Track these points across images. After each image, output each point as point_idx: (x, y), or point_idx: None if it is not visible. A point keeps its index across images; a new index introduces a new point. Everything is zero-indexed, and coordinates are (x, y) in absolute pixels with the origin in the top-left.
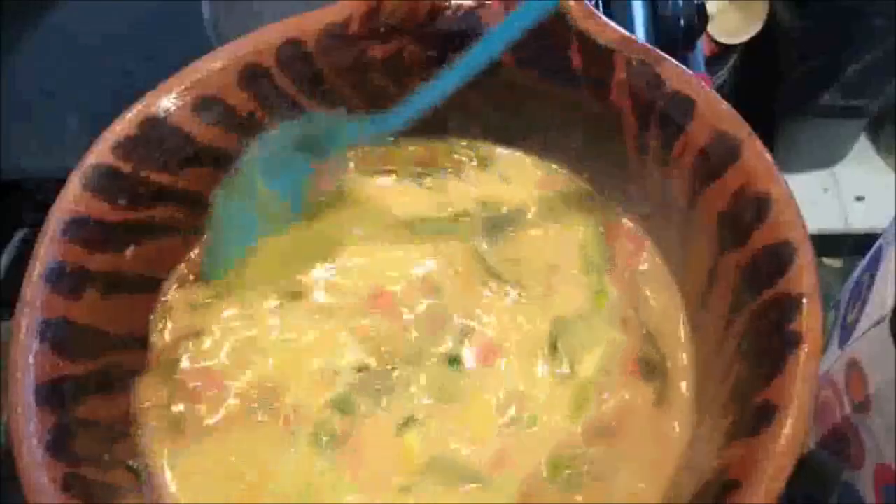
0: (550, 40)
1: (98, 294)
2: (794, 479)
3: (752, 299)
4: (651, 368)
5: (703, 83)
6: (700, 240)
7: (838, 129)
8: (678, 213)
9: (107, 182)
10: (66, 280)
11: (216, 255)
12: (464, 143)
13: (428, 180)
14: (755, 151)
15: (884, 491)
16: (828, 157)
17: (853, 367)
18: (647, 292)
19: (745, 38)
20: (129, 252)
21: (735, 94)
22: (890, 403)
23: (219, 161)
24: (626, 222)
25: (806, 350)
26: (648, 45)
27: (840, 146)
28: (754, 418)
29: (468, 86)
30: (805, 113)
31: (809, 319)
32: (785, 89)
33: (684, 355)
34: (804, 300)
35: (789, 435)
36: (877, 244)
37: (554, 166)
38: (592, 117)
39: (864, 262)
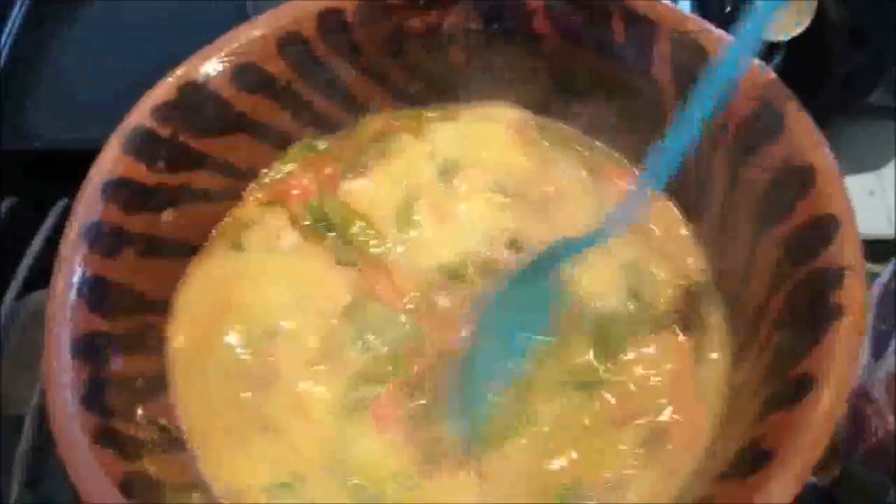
0: (593, 12)
1: (134, 255)
2: (840, 496)
3: (795, 271)
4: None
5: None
6: (740, 214)
7: (885, 130)
8: (719, 187)
9: (146, 145)
10: (103, 239)
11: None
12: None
13: None
14: (800, 122)
15: None
16: (874, 160)
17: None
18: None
19: (791, 34)
20: (166, 215)
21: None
22: None
23: (256, 129)
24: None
25: (847, 322)
26: (691, 15)
27: (887, 148)
28: (792, 389)
29: (505, 56)
30: (851, 113)
31: (852, 292)
32: (830, 88)
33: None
34: (847, 272)
35: (827, 406)
36: None
37: (597, 143)
38: (634, 92)
39: (891, 268)
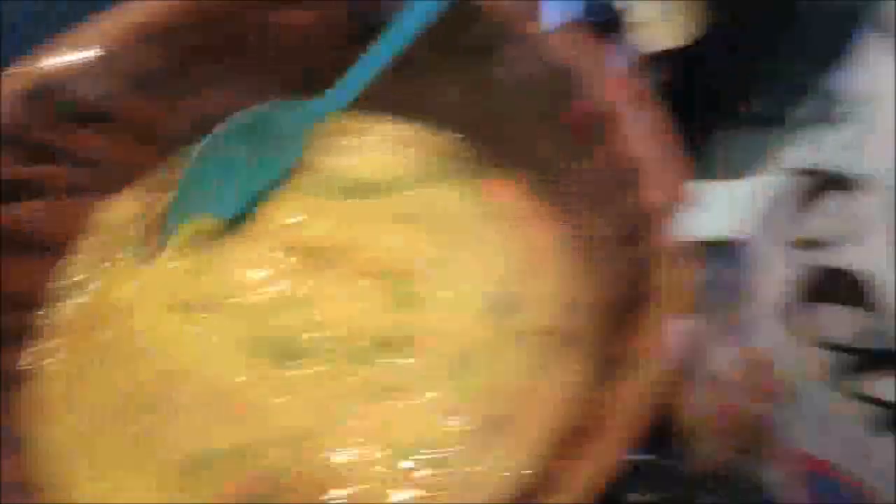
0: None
1: None
2: (714, 494)
3: (624, 258)
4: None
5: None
6: (583, 203)
7: (766, 138)
8: (565, 179)
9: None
10: None
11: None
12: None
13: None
14: (633, 119)
15: (812, 482)
16: (758, 167)
17: (755, 362)
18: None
19: (677, 45)
20: (22, 209)
21: (669, 101)
22: (803, 394)
23: (107, 119)
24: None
25: (662, 305)
26: (537, 15)
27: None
28: (610, 369)
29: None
30: (734, 121)
31: (673, 278)
32: (716, 97)
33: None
34: (664, 259)
35: (641, 387)
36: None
37: (452, 135)
38: (484, 87)
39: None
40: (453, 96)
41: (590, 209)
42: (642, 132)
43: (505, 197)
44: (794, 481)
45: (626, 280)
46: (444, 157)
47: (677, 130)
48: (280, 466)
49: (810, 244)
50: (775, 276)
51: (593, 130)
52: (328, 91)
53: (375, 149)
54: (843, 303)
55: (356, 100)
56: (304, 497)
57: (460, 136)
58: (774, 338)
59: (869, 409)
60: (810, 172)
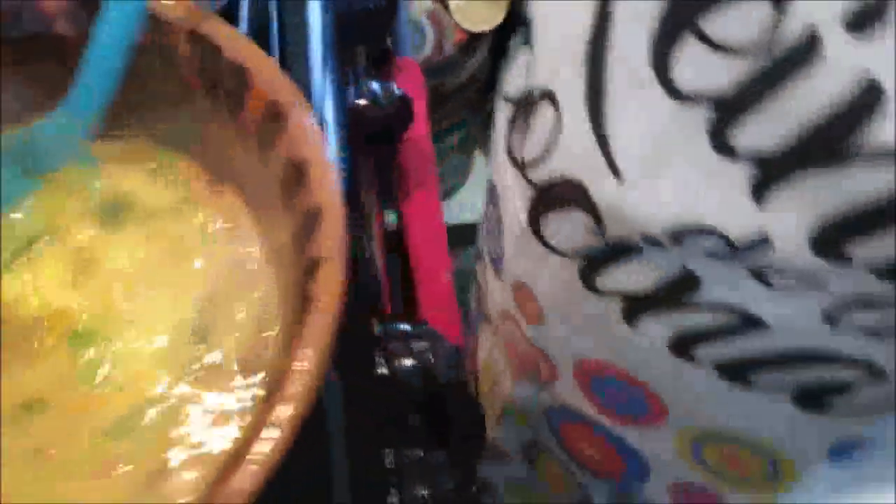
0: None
1: None
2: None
3: (300, 261)
4: None
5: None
6: (277, 203)
7: None
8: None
9: None
10: None
11: None
12: None
13: None
14: (300, 120)
15: (592, 384)
16: None
17: (519, 289)
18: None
19: (491, 25)
20: None
21: (488, 82)
22: (563, 303)
23: None
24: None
25: (318, 308)
26: (207, 13)
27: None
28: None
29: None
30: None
31: (327, 282)
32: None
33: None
34: (328, 263)
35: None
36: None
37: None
38: (171, 94)
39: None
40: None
41: (276, 214)
42: (307, 131)
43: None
44: (573, 390)
45: (299, 280)
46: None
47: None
48: None
49: (533, 163)
50: (515, 201)
51: (268, 131)
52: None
53: None
54: (573, 208)
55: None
56: None
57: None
58: (525, 260)
59: (615, 303)
60: (517, 98)
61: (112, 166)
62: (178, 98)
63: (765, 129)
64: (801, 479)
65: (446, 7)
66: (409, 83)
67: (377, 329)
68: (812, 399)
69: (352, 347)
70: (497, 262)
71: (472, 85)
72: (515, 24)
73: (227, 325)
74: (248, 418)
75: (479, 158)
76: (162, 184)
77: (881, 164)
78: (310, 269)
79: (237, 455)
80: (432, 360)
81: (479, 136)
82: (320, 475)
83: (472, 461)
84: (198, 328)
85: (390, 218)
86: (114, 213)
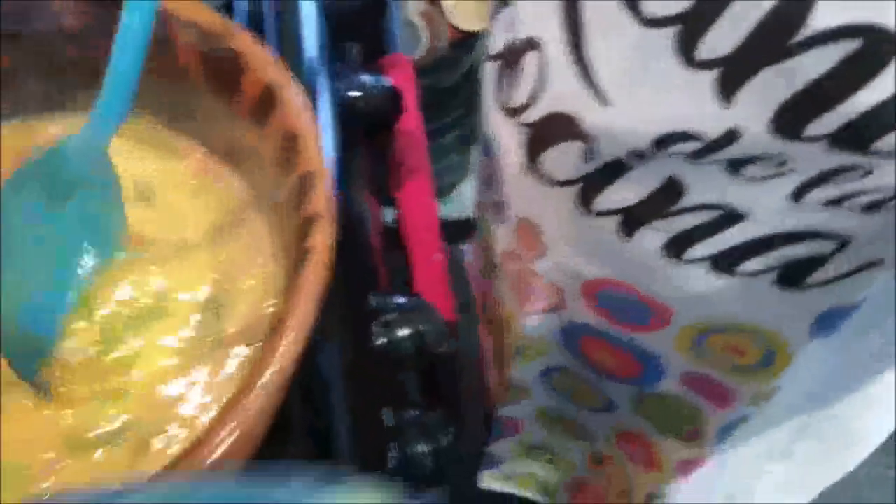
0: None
1: None
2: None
3: (295, 221)
4: None
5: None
6: (272, 172)
7: None
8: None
9: None
10: None
11: None
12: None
13: None
14: (292, 97)
15: (601, 300)
16: None
17: (522, 227)
18: None
19: (483, 24)
20: None
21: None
22: (565, 231)
23: None
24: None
25: (313, 258)
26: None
27: None
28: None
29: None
30: None
31: (321, 235)
32: None
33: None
34: (320, 219)
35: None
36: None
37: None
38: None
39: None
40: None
41: (272, 183)
42: (298, 105)
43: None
44: (586, 310)
45: (294, 238)
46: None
47: None
48: None
49: (524, 107)
50: (511, 147)
51: (264, 106)
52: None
53: None
54: (567, 140)
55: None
56: None
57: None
58: (527, 198)
59: (613, 221)
60: (501, 53)
61: (122, 147)
62: (177, 82)
63: (722, 40)
64: (794, 361)
65: (439, 6)
66: (399, 77)
67: (374, 302)
68: (792, 278)
69: (351, 319)
70: (499, 208)
71: (467, 83)
72: None
73: (235, 297)
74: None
75: (476, 155)
76: (168, 162)
77: (820, 47)
78: (305, 225)
79: (247, 383)
80: (425, 330)
81: (477, 133)
82: (323, 437)
83: (467, 423)
84: (211, 301)
85: (385, 207)
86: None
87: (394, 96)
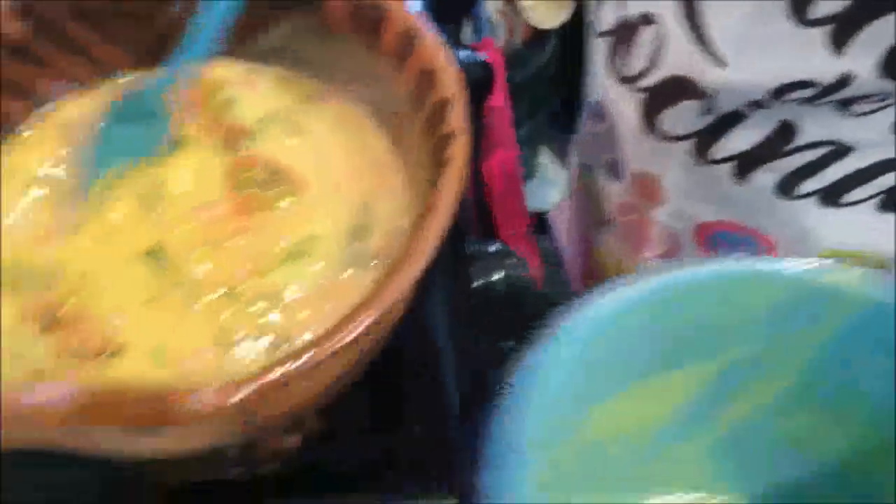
0: None
1: None
2: None
3: (431, 142)
4: None
5: None
6: (404, 104)
7: None
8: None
9: None
10: None
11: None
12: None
13: None
14: (428, 38)
15: (712, 241)
16: None
17: (640, 181)
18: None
19: (558, 22)
20: None
21: (558, 75)
22: (682, 179)
23: None
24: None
25: (454, 166)
26: None
27: None
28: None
29: None
30: None
31: (459, 147)
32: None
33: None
34: (459, 134)
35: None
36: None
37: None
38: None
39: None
40: (286, 36)
41: (407, 111)
42: (435, 45)
43: (350, 122)
44: (698, 251)
45: (430, 158)
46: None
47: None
48: None
49: (641, 75)
50: (627, 111)
51: (403, 48)
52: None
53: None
54: (685, 99)
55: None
56: None
57: (299, 71)
58: (645, 154)
59: (728, 166)
60: (613, 30)
61: (267, 90)
62: (324, 35)
63: (833, 1)
64: None
65: (515, 5)
66: (490, 58)
67: (471, 248)
68: (893, 202)
69: (454, 261)
70: (613, 167)
71: (538, 81)
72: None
73: (375, 221)
74: None
75: (544, 151)
76: (314, 104)
77: None
78: (443, 141)
79: (388, 272)
80: (514, 274)
81: (545, 130)
82: (431, 369)
83: None
84: (357, 227)
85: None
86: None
87: (487, 71)
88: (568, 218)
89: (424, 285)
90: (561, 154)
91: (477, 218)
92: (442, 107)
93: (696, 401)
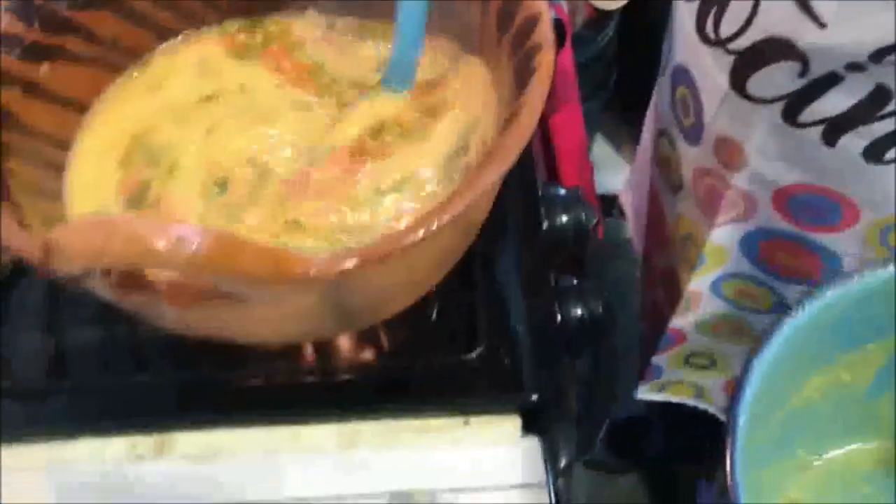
0: None
1: (19, 94)
2: None
3: (519, 56)
4: None
5: None
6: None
7: None
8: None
9: (22, 8)
10: None
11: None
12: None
13: None
14: None
15: (792, 204)
16: None
17: (722, 145)
18: None
19: (619, 3)
20: (44, 68)
21: (617, 57)
22: (768, 143)
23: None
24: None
25: (541, 72)
26: None
27: None
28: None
29: None
30: None
31: (545, 56)
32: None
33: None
34: (543, 45)
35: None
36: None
37: None
38: None
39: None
40: None
41: (497, 34)
42: None
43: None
44: (776, 215)
45: (516, 75)
46: None
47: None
48: None
49: (733, 37)
50: (714, 74)
51: None
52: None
53: None
54: (780, 60)
55: None
56: None
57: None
58: (730, 118)
59: (817, 130)
60: None
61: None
62: None
63: None
64: None
65: None
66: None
67: (541, 191)
68: None
69: (522, 203)
70: (693, 131)
71: (596, 64)
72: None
73: (475, 137)
74: None
75: (597, 137)
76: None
77: None
78: (531, 51)
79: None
80: (582, 217)
81: (597, 117)
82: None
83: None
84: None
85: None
86: None
87: (559, 28)
88: (634, 190)
89: (499, 222)
90: (614, 139)
91: (546, 168)
92: (530, 22)
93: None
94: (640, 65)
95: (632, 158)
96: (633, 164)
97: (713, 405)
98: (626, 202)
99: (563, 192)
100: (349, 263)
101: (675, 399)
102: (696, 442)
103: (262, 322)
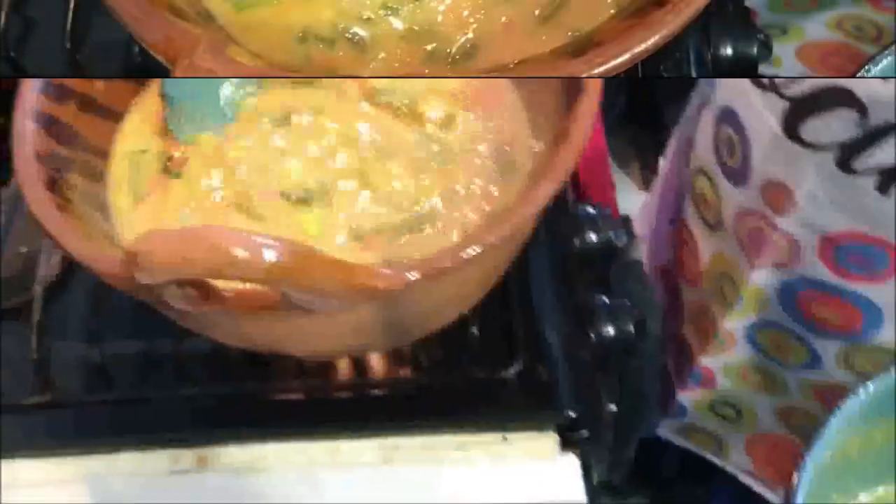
0: None
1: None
2: None
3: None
4: None
5: None
6: None
7: None
8: None
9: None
10: (52, 89)
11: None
12: None
13: None
14: None
15: (838, 252)
16: None
17: (770, 188)
18: None
19: None
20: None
21: (627, 77)
22: (818, 189)
23: None
24: None
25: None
26: None
27: None
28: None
29: None
30: None
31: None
32: None
33: None
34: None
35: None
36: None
37: None
38: None
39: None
40: None
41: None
42: None
43: None
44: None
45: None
46: None
47: None
48: None
49: (789, 82)
50: (765, 117)
51: None
52: None
53: None
54: (837, 109)
55: None
56: None
57: None
58: (779, 162)
59: (870, 179)
60: None
61: None
62: None
63: None
64: None
65: None
66: None
67: (573, 209)
68: None
69: (554, 222)
70: (738, 173)
71: (608, 84)
72: None
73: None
74: None
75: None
76: None
77: None
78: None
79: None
80: (611, 236)
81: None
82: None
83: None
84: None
85: None
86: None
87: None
88: (650, 216)
89: (533, 239)
90: (622, 160)
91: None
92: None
93: None
94: (651, 85)
95: (639, 179)
96: (642, 186)
97: (730, 464)
98: (641, 227)
99: (592, 210)
100: (415, 274)
101: (694, 448)
102: (709, 465)
103: (318, 336)
